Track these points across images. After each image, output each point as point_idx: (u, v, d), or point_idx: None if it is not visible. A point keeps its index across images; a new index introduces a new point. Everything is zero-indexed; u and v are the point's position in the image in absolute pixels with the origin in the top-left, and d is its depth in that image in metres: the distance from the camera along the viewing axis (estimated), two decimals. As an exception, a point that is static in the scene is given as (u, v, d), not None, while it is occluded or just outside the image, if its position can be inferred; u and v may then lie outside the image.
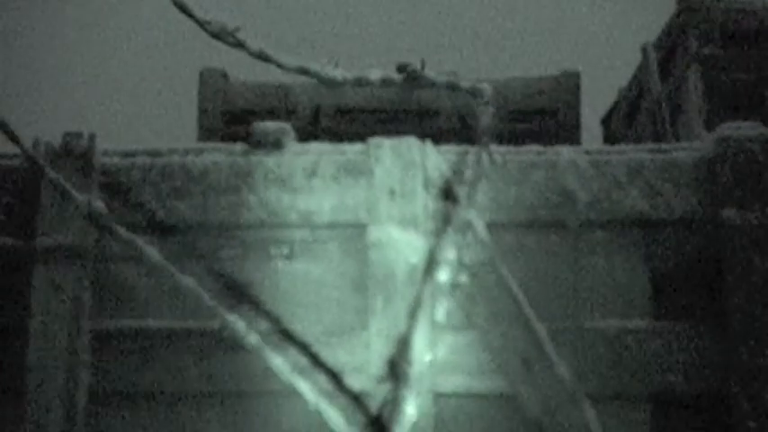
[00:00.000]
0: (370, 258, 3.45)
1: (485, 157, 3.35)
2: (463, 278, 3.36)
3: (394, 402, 3.24)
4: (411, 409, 3.22)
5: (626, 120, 6.99)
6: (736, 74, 5.77)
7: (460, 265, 3.36)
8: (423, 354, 3.28)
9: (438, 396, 3.40)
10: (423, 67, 3.25)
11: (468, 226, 3.36)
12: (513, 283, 3.40)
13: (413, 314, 3.33)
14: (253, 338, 3.35)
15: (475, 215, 3.38)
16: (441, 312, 3.32)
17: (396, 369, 3.26)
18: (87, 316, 3.57)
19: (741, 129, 3.49)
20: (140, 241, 3.39)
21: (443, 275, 3.31)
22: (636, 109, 6.79)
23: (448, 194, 3.36)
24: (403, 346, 3.32)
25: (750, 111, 5.56)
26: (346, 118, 6.80)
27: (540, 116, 6.91)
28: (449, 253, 3.31)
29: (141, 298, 3.58)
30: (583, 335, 3.39)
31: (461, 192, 3.37)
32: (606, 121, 7.45)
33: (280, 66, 3.40)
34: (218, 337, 3.49)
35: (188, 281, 3.39)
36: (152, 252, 3.40)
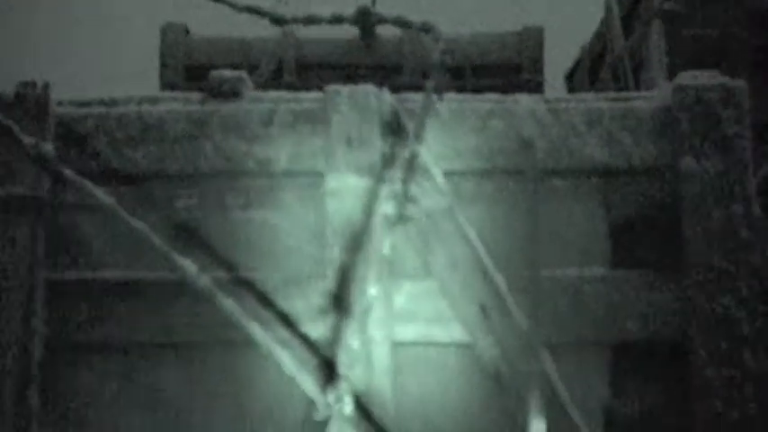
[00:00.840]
0: (328, 207, 3.42)
1: (435, 93, 3.32)
2: (412, 212, 3.32)
3: (337, 335, 3.22)
4: (355, 343, 3.19)
5: (589, 75, 6.99)
6: (699, 29, 5.77)
7: (410, 200, 3.32)
8: (367, 286, 3.24)
9: (396, 345, 3.39)
10: (373, 4, 3.21)
11: (423, 169, 3.34)
12: (470, 231, 3.38)
13: (358, 247, 3.30)
14: (209, 287, 3.32)
15: (425, 152, 3.35)
16: (386, 246, 3.28)
17: (339, 302, 3.23)
18: (41, 267, 3.52)
19: (699, 78, 3.48)
20: (90, 185, 3.34)
21: (390, 208, 3.28)
22: (599, 64, 6.79)
23: (397, 132, 3.34)
24: (347, 278, 3.29)
25: (712, 65, 5.55)
26: (308, 73, 6.76)
27: (503, 72, 6.90)
28: (395, 187, 3.28)
29: (96, 249, 3.55)
30: (540, 283, 3.39)
31: (411, 127, 3.35)
32: (570, 77, 7.45)
33: (230, 5, 3.36)
34: (173, 287, 3.45)
35: (142, 226, 3.35)
36: (104, 196, 3.35)
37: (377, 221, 3.35)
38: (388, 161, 3.37)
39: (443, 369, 3.41)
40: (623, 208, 3.48)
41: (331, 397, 3.15)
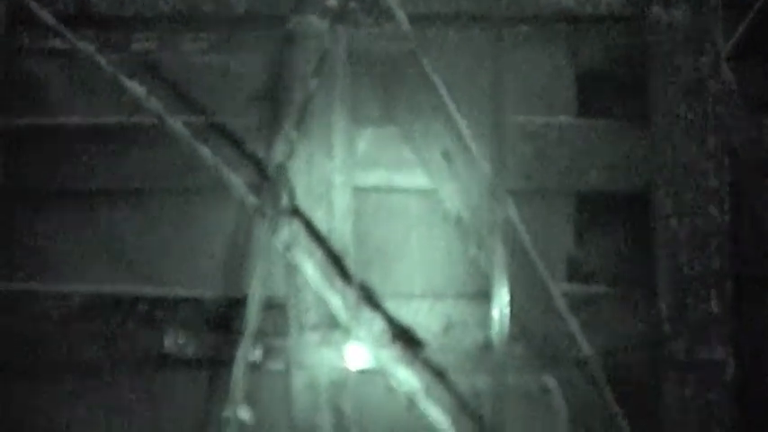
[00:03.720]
0: (291, 50, 3.35)
1: None
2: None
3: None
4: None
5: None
6: None
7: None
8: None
9: (358, 190, 3.33)
10: None
11: (387, 12, 3.27)
12: (434, 76, 3.32)
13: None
14: (182, 130, 3.24)
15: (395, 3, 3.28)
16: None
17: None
18: (-3, 114, 3.45)
19: (669, -74, 3.41)
20: (61, 26, 3.25)
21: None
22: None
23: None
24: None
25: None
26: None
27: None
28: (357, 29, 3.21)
29: (53, 95, 3.47)
30: (505, 130, 3.33)
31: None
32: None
33: None
34: (131, 134, 3.38)
35: (113, 70, 3.27)
36: (74, 39, 3.26)
37: (339, 64, 3.28)
38: (349, 3, 3.29)
39: (405, 215, 3.37)
40: (590, 56, 3.43)
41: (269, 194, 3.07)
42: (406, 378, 3.19)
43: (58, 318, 3.40)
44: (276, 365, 3.27)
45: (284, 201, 3.20)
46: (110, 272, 3.44)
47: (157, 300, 3.38)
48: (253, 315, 3.08)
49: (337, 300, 3.21)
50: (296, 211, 3.23)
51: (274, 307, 3.27)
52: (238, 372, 3.11)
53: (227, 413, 3.08)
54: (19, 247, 3.47)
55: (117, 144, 3.43)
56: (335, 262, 3.23)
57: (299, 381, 3.25)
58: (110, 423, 3.41)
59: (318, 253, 3.24)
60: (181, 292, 3.39)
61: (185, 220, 3.42)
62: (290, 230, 3.22)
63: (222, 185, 3.33)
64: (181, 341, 3.31)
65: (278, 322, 3.28)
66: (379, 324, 3.23)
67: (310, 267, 3.21)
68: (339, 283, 3.22)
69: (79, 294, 3.41)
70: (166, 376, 3.38)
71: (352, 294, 3.20)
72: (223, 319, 3.32)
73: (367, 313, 3.24)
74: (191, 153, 3.25)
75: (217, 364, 3.28)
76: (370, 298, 3.25)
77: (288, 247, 3.21)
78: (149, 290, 3.40)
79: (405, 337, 3.24)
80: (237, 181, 3.26)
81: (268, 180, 3.23)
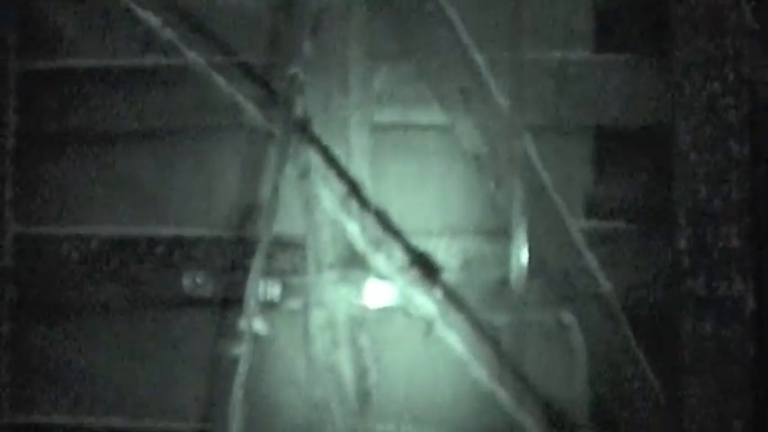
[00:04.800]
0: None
1: None
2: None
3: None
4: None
5: None
6: None
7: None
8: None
9: (375, 128, 3.31)
10: None
11: None
12: (450, 10, 3.28)
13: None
14: (206, 68, 3.22)
15: None
16: None
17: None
18: (13, 57, 3.44)
19: None
20: None
21: None
22: None
23: None
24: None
25: None
26: None
27: None
28: None
29: (69, 36, 3.45)
30: (523, 65, 3.30)
31: None
32: None
33: None
34: (147, 74, 3.38)
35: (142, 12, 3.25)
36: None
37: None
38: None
39: (423, 152, 3.35)
40: (609, -9, 3.38)
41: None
42: (424, 304, 3.19)
43: (77, 260, 3.41)
44: (294, 304, 3.27)
45: (297, 119, 3.18)
46: (128, 213, 3.45)
47: (175, 240, 3.38)
48: (266, 236, 3.07)
49: (354, 227, 3.20)
50: (311, 137, 3.21)
51: (292, 245, 3.26)
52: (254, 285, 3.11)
53: (242, 324, 3.09)
54: (37, 190, 3.48)
55: (133, 85, 3.42)
56: (352, 189, 3.22)
57: (317, 319, 3.25)
58: (129, 363, 3.42)
59: (335, 180, 3.22)
60: (199, 232, 3.39)
61: (202, 160, 3.41)
62: (305, 157, 3.20)
63: (239, 124, 3.32)
64: (199, 281, 3.32)
65: (296, 261, 3.27)
66: (396, 250, 3.22)
67: (327, 195, 3.20)
68: (356, 210, 3.21)
69: (97, 236, 3.43)
70: (185, 316, 3.39)
71: (369, 221, 3.19)
72: (241, 259, 3.32)
73: (384, 240, 3.22)
74: (206, 88, 3.23)
75: (235, 303, 3.27)
76: (387, 225, 3.24)
77: (303, 174, 3.19)
78: (167, 231, 3.41)
79: (422, 264, 3.23)
80: (252, 108, 3.24)
81: (281, 95, 3.20)
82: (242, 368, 3.07)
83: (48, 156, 3.47)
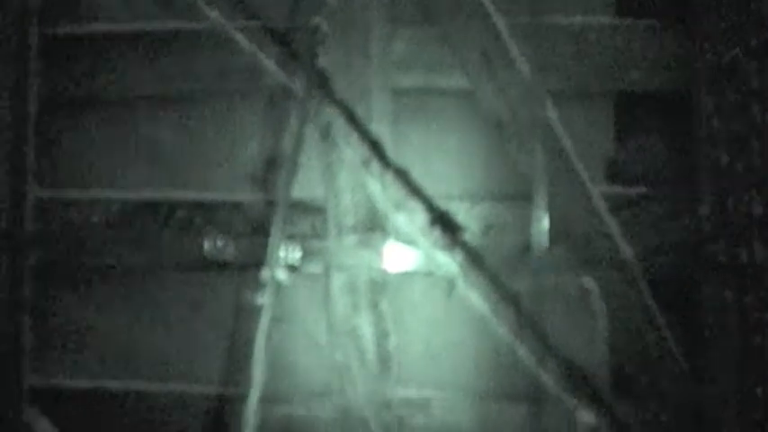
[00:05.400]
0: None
1: None
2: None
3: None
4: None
5: None
6: None
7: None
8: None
9: (396, 93, 3.31)
10: None
11: None
12: (472, -26, 3.28)
13: None
14: (232, 32, 3.22)
15: None
16: None
17: None
18: (36, 21, 3.44)
19: None
20: None
21: None
22: None
23: None
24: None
25: None
26: None
27: None
28: None
29: (92, 0, 3.46)
30: (544, 30, 3.29)
31: None
32: None
33: None
34: (169, 39, 3.38)
35: None
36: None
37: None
38: None
39: (444, 117, 3.34)
40: (629, -46, 3.37)
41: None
42: (446, 264, 3.19)
43: (98, 224, 3.42)
44: (315, 268, 3.27)
45: (319, 72, 3.18)
46: (149, 177, 3.45)
47: (196, 204, 3.39)
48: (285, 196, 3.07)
49: (375, 185, 3.20)
50: (332, 96, 3.20)
51: (312, 209, 3.26)
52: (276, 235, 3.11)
53: (264, 274, 3.10)
54: (59, 155, 3.49)
55: (155, 49, 3.42)
56: (373, 148, 3.22)
57: (337, 283, 3.25)
58: (150, 327, 3.43)
59: (356, 140, 3.22)
60: (220, 196, 3.39)
61: (223, 124, 3.41)
62: (326, 116, 3.20)
63: (260, 89, 3.32)
64: (220, 245, 3.32)
65: (316, 224, 3.27)
66: (417, 208, 3.22)
67: (348, 154, 3.20)
68: (377, 169, 3.21)
69: (119, 201, 3.43)
70: (206, 280, 3.39)
71: (390, 181, 3.19)
72: (262, 223, 3.32)
73: (405, 199, 3.22)
74: (227, 52, 3.23)
75: (256, 267, 3.28)
76: (408, 184, 3.24)
77: (324, 134, 3.19)
78: (188, 195, 3.41)
79: (444, 223, 3.23)
80: (273, 67, 3.24)
81: (303, 47, 3.19)
82: (264, 320, 3.07)
83: (69, 120, 3.48)
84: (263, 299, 3.08)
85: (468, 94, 3.32)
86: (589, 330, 3.26)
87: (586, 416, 3.11)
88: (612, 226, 3.26)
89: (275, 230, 3.12)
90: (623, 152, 3.37)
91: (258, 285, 3.13)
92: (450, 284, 3.16)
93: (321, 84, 3.22)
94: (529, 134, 3.27)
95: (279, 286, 3.11)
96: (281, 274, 3.11)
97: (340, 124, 3.21)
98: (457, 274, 3.17)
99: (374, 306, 3.23)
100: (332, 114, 3.20)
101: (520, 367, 3.22)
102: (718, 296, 3.23)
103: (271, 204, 3.30)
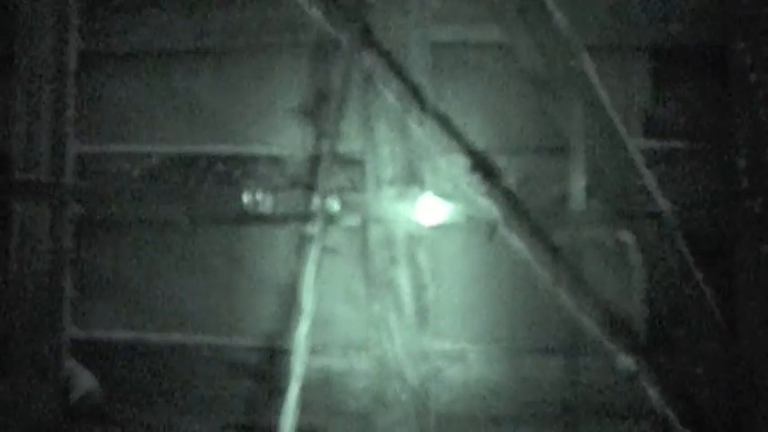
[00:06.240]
0: None
1: None
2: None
3: None
4: None
5: None
6: None
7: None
8: None
9: (434, 46, 3.31)
10: None
11: None
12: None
13: None
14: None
15: None
16: None
17: None
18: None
19: None
20: None
21: None
22: None
23: None
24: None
25: None
26: None
27: None
28: None
29: None
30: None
31: None
32: None
33: None
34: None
35: None
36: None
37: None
38: None
39: (481, 70, 3.35)
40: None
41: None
42: (486, 206, 3.20)
43: (138, 177, 3.45)
44: (353, 221, 3.29)
45: (363, 15, 3.18)
46: (187, 131, 3.47)
47: (235, 158, 3.41)
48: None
49: (416, 127, 3.21)
50: (373, 42, 3.21)
51: (351, 163, 3.28)
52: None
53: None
54: (99, 108, 3.51)
55: (193, 3, 3.43)
56: (414, 93, 3.22)
57: (375, 235, 3.27)
58: (188, 279, 3.47)
59: (396, 83, 3.22)
60: (258, 149, 3.41)
61: (262, 78, 3.43)
62: (368, 63, 3.20)
63: (299, 42, 3.33)
64: (258, 198, 3.34)
65: (354, 178, 3.29)
66: (457, 153, 3.23)
67: (389, 101, 3.21)
68: (417, 114, 3.22)
69: (157, 154, 3.45)
70: (244, 233, 3.42)
71: (430, 125, 3.20)
72: (300, 176, 3.34)
73: (445, 141, 3.23)
74: (266, 5, 3.24)
75: (294, 219, 3.30)
76: (448, 128, 3.25)
77: (367, 80, 3.20)
78: (227, 148, 3.43)
79: (483, 167, 3.24)
80: (317, 15, 3.25)
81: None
82: (315, 251, 3.08)
83: (109, 75, 3.50)
84: (315, 228, 3.09)
85: (505, 47, 3.31)
86: (625, 283, 3.27)
87: (626, 362, 3.12)
88: (649, 179, 3.26)
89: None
90: (660, 106, 3.37)
91: (299, 236, 3.14)
92: (491, 228, 3.16)
93: (365, 35, 3.21)
94: (566, 88, 3.27)
95: (329, 216, 3.11)
96: (333, 204, 3.11)
97: (381, 73, 3.21)
98: (497, 218, 3.17)
99: (411, 259, 3.25)
100: (374, 64, 3.20)
101: (556, 320, 3.24)
102: (753, 249, 3.23)
103: (310, 158, 3.32)
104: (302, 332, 3.06)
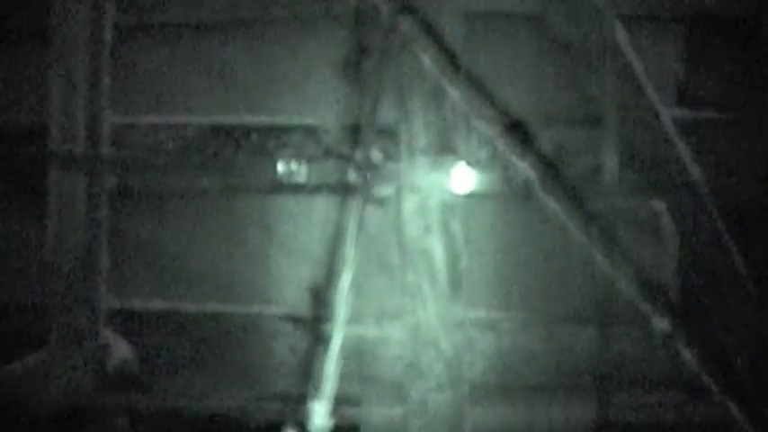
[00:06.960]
0: None
1: None
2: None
3: None
4: None
5: None
6: None
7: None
8: None
9: (467, 17, 3.32)
10: None
11: None
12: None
13: None
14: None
15: None
16: None
17: None
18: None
19: None
20: None
21: None
22: None
23: None
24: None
25: None
26: None
27: None
28: None
29: None
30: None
31: None
32: None
33: None
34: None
35: None
36: None
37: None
38: None
39: (515, 41, 3.35)
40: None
41: None
42: (522, 168, 3.21)
43: (173, 148, 3.48)
44: (387, 190, 3.31)
45: None
46: (222, 102, 3.50)
47: (270, 128, 3.43)
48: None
49: (452, 90, 3.22)
50: (411, 10, 3.22)
51: (385, 132, 3.30)
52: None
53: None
54: (135, 80, 3.54)
55: (229, -25, 3.45)
56: (449, 57, 3.23)
57: (409, 204, 3.28)
58: (223, 249, 3.50)
59: (433, 48, 3.23)
60: (293, 120, 3.43)
61: (297, 49, 3.45)
62: (404, 27, 3.20)
63: (333, 15, 3.34)
64: (293, 168, 3.37)
65: (388, 147, 3.31)
66: (493, 115, 3.23)
67: (426, 61, 3.21)
68: (452, 76, 3.22)
69: (192, 125, 3.48)
70: (279, 202, 3.44)
71: (465, 87, 3.20)
72: (334, 146, 3.36)
73: (479, 107, 3.24)
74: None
75: (329, 189, 3.32)
76: (483, 90, 3.25)
77: (405, 44, 3.20)
78: (262, 119, 3.45)
79: (518, 129, 3.25)
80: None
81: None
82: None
83: (144, 46, 3.53)
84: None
85: (538, 17, 3.32)
86: (659, 252, 3.28)
87: (661, 323, 3.13)
88: (682, 149, 3.27)
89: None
90: (693, 76, 3.37)
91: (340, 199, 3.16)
92: (528, 188, 3.16)
93: (403, 4, 3.22)
94: (599, 58, 3.28)
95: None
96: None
97: (418, 42, 3.22)
98: (533, 177, 3.18)
99: (445, 228, 3.27)
100: (409, 24, 3.20)
101: (589, 289, 3.25)
102: (787, 220, 3.23)
103: (344, 128, 3.34)
104: (345, 284, 3.06)
